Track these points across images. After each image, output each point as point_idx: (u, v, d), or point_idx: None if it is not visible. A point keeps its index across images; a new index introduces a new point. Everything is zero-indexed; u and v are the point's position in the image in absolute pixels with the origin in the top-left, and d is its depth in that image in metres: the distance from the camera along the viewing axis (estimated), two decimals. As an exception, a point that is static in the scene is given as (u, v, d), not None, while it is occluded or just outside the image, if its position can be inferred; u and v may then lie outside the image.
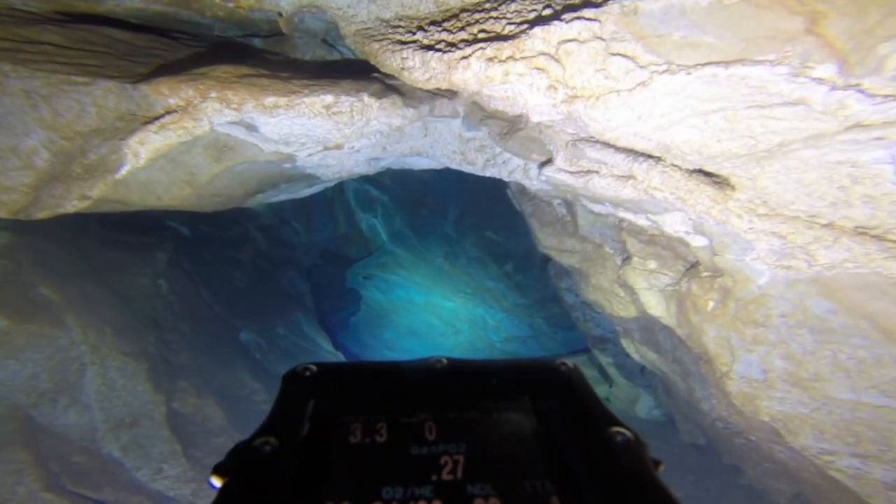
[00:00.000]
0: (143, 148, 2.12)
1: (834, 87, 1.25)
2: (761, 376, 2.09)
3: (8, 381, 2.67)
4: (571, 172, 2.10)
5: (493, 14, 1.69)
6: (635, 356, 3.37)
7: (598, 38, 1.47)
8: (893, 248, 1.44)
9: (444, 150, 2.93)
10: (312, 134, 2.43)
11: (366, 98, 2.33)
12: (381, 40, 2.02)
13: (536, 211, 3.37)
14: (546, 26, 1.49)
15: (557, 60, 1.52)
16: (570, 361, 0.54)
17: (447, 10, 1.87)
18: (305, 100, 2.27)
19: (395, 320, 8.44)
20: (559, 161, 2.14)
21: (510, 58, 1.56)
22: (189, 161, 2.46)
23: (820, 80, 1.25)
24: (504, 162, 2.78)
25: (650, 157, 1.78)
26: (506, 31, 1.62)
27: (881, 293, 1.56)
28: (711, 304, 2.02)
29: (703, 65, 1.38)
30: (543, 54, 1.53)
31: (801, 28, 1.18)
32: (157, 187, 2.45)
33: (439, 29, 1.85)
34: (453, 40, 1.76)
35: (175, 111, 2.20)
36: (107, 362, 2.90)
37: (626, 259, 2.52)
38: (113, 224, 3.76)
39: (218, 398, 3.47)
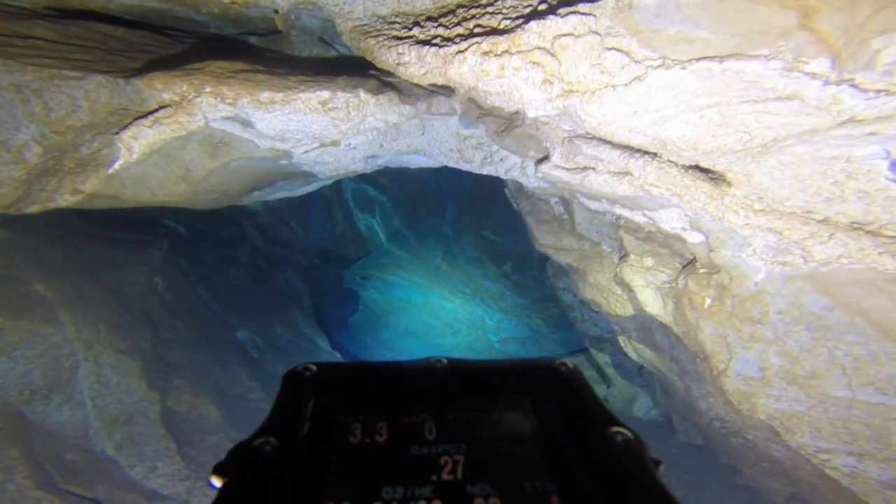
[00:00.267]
0: (137, 142, 2.11)
1: (827, 82, 1.25)
2: (758, 374, 2.08)
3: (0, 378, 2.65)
4: (568, 169, 2.10)
5: (489, 9, 1.69)
6: (633, 355, 3.37)
7: (593, 32, 1.47)
8: (888, 243, 1.43)
9: (442, 147, 2.93)
10: (308, 130, 2.43)
11: (362, 94, 2.33)
12: (377, 36, 2.02)
13: (534, 209, 3.37)
14: (541, 21, 1.48)
15: (553, 55, 1.52)
16: (569, 361, 0.54)
17: (443, 6, 1.87)
18: (301, 95, 2.27)
19: (394, 320, 8.43)
20: (556, 158, 2.14)
21: (506, 52, 1.56)
22: (184, 156, 2.45)
23: (813, 75, 1.25)
24: (501, 160, 2.78)
25: (646, 153, 1.78)
26: (501, 26, 1.62)
27: (876, 289, 1.55)
28: (708, 300, 2.02)
29: (698, 59, 1.38)
30: (539, 48, 1.53)
31: (794, 23, 1.18)
32: (152, 183, 2.44)
33: (435, 24, 1.85)
34: (449, 35, 1.76)
35: (169, 106, 2.19)
36: (101, 359, 2.88)
37: (624, 257, 2.52)
38: (108, 221, 3.75)
39: (213, 396, 3.45)
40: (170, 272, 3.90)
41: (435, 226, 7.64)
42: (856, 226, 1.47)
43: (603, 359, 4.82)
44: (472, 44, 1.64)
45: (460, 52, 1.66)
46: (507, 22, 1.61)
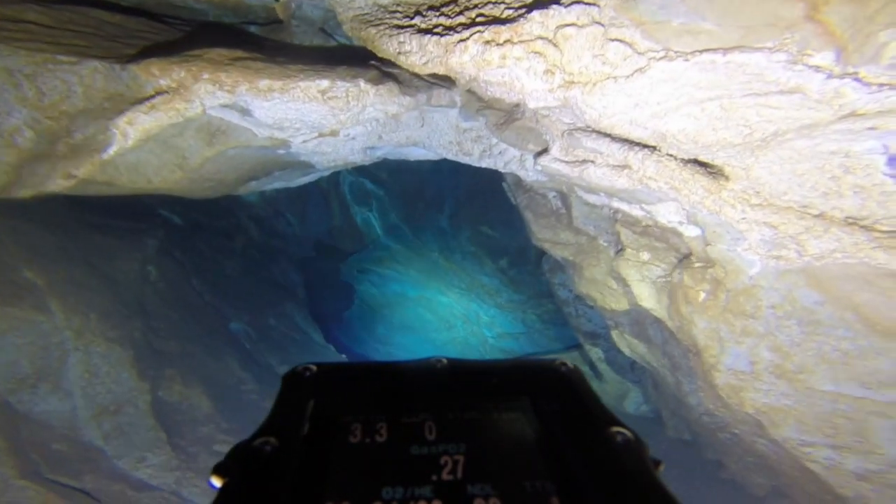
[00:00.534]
0: (132, 128, 2.08)
1: (830, 76, 1.26)
2: (748, 368, 2.11)
3: (-14, 366, 2.61)
4: (567, 162, 2.10)
5: (492, -2, 1.68)
6: (626, 350, 3.40)
7: (596, 22, 1.46)
8: (881, 238, 1.45)
9: (441, 140, 2.91)
10: (307, 119, 2.40)
11: (362, 84, 2.31)
12: (378, 25, 2.00)
13: (532, 203, 3.37)
14: (544, 10, 1.48)
15: (555, 45, 1.52)
16: (570, 361, 0.54)
17: (445, -6, 1.85)
18: (301, 84, 2.24)
19: (389, 315, 8.41)
20: (555, 150, 2.14)
21: (508, 41, 1.55)
22: (181, 144, 2.42)
23: (817, 68, 1.26)
24: (500, 153, 2.77)
25: (645, 146, 1.78)
26: (504, 15, 1.61)
27: (867, 284, 1.58)
28: (703, 294, 2.04)
29: (702, 52, 1.38)
30: (541, 38, 1.52)
31: (801, 14, 1.18)
32: (148, 170, 2.40)
33: (437, 13, 1.83)
34: (451, 24, 1.75)
35: (166, 92, 2.16)
36: (91, 348, 2.84)
37: (620, 251, 2.53)
38: (102, 209, 3.69)
39: (205, 387, 3.43)
40: (163, 261, 3.86)
41: (432, 220, 7.63)
42: (851, 220, 1.49)
43: (596, 354, 4.86)
44: (474, 33, 1.62)
45: (462, 41, 1.65)
46: (510, 11, 1.60)
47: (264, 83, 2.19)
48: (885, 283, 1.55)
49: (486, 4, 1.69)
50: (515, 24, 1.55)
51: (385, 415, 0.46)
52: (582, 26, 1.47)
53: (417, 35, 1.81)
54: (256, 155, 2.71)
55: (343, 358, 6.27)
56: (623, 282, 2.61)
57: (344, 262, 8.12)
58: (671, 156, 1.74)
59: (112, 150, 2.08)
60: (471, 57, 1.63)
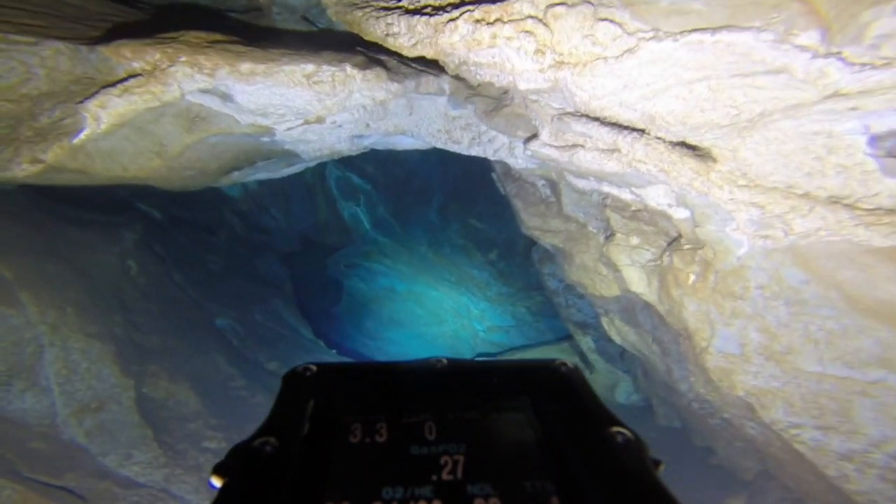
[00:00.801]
0: (105, 112, 1.98)
1: (815, 55, 1.27)
2: (738, 350, 2.15)
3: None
4: (557, 147, 2.09)
5: (481, -23, 1.65)
6: (616, 338, 3.44)
7: (586, 2, 1.45)
8: (863, 215, 1.49)
9: (430, 128, 2.88)
10: (292, 105, 2.34)
11: (348, 68, 2.25)
12: (364, 7, 1.95)
13: (521, 192, 3.37)
14: (535, -12, 1.45)
15: (545, 24, 1.50)
16: (570, 361, 0.55)
17: (433, -26, 1.81)
18: (285, 68, 2.17)
19: (378, 310, 8.35)
20: (544, 135, 2.13)
21: (498, 20, 1.53)
22: (158, 130, 2.33)
23: (803, 48, 1.27)
24: (489, 140, 2.75)
25: (634, 129, 1.79)
26: (494, -6, 1.58)
27: (850, 261, 1.62)
28: (692, 276, 2.07)
29: (690, 32, 1.38)
30: (531, 17, 1.50)
31: (786, -8, 1.19)
32: (123, 157, 2.31)
33: (425, -6, 1.79)
34: (440, 4, 1.71)
35: (140, 75, 2.07)
36: (68, 344, 2.73)
37: (610, 236, 2.55)
38: (75, 202, 3.54)
39: (192, 383, 3.34)
40: (143, 255, 3.73)
41: (421, 214, 7.59)
42: (834, 199, 1.52)
43: (587, 344, 4.92)
44: (464, 12, 1.59)
45: (451, 20, 1.62)
46: (500, -10, 1.57)
47: (246, 66, 2.12)
48: (865, 260, 1.59)
49: (474, -16, 1.66)
50: (505, 3, 1.52)
51: (385, 415, 0.46)
52: (572, 5, 1.45)
53: (406, 16, 1.77)
54: (239, 143, 2.63)
55: (333, 353, 6.20)
56: (613, 267, 2.63)
57: (331, 258, 8.02)
58: (660, 138, 1.75)
59: (83, 135, 1.99)
60: (461, 37, 1.60)
